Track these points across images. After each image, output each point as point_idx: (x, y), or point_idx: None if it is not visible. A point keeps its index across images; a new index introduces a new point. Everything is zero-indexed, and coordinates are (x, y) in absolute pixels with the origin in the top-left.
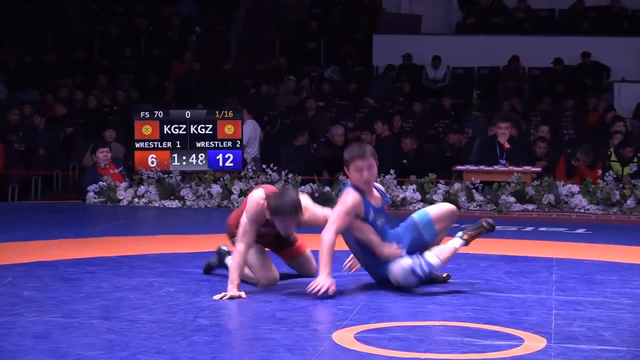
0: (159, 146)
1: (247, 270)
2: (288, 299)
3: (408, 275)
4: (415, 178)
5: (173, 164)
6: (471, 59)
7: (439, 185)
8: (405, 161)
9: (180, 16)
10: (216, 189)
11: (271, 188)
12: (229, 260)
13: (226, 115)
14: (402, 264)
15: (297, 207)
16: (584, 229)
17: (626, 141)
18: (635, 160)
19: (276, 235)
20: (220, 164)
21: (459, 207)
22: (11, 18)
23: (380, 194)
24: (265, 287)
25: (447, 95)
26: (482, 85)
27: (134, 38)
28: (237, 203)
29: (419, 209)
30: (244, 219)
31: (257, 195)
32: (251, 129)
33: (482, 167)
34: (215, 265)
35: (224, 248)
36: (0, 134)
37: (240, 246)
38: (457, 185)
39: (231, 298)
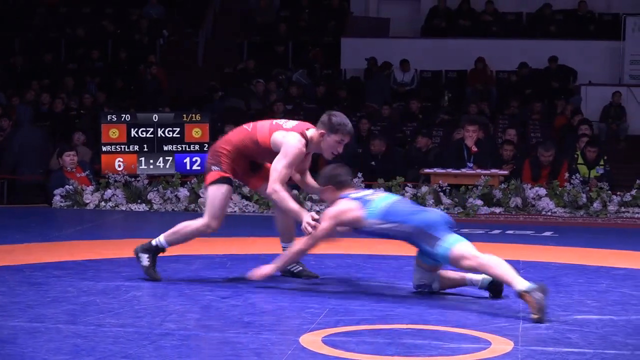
0: (126, 149)
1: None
2: (256, 302)
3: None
4: (383, 181)
5: (140, 167)
6: (439, 62)
7: (407, 188)
8: (373, 163)
9: (148, 18)
10: (183, 192)
11: (303, 125)
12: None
13: (194, 119)
14: None
15: None
16: (551, 232)
17: (591, 142)
18: (602, 163)
19: (252, 162)
20: (188, 167)
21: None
22: None
23: None
24: (204, 232)
25: (415, 99)
26: (450, 88)
27: (102, 41)
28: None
29: None
30: (279, 163)
31: (296, 140)
32: None
33: (449, 170)
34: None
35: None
36: None
37: (279, 187)
38: (424, 189)
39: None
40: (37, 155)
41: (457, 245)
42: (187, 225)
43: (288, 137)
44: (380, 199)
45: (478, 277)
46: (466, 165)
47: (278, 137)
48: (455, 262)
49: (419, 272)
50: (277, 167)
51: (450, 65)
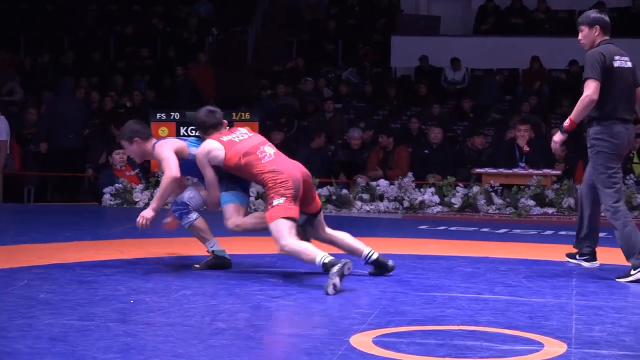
0: None
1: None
2: (306, 302)
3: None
4: (436, 174)
5: None
6: (490, 60)
7: (458, 188)
8: (427, 151)
9: (197, 17)
10: None
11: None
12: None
13: (243, 117)
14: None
15: None
16: (605, 233)
17: None
18: None
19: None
20: None
21: (477, 210)
22: (27, 18)
23: None
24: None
25: (466, 97)
26: (502, 87)
27: (151, 39)
28: (255, 206)
29: (437, 212)
30: None
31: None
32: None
33: (501, 169)
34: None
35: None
36: (17, 135)
37: None
38: (476, 188)
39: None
40: (74, 123)
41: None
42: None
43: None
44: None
45: None
46: (518, 165)
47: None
48: None
49: None
50: None
51: (501, 63)
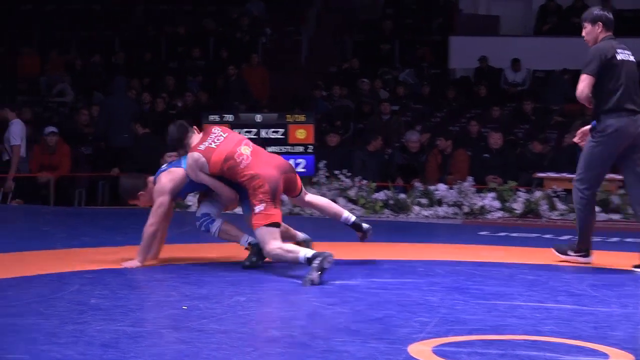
0: None
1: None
2: (363, 310)
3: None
4: (497, 178)
5: None
6: (551, 61)
7: (519, 193)
8: (487, 155)
9: (249, 16)
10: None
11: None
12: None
13: (298, 119)
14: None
15: None
16: None
17: None
18: None
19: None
20: None
21: (540, 216)
22: (78, 18)
23: None
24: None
25: (528, 99)
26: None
27: (203, 39)
28: (309, 210)
29: (498, 218)
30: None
31: None
32: (19, 129)
33: (564, 174)
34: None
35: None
36: (68, 137)
37: None
38: (538, 194)
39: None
40: (126, 122)
41: None
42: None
43: None
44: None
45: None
46: None
47: None
48: None
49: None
50: None
51: (563, 64)
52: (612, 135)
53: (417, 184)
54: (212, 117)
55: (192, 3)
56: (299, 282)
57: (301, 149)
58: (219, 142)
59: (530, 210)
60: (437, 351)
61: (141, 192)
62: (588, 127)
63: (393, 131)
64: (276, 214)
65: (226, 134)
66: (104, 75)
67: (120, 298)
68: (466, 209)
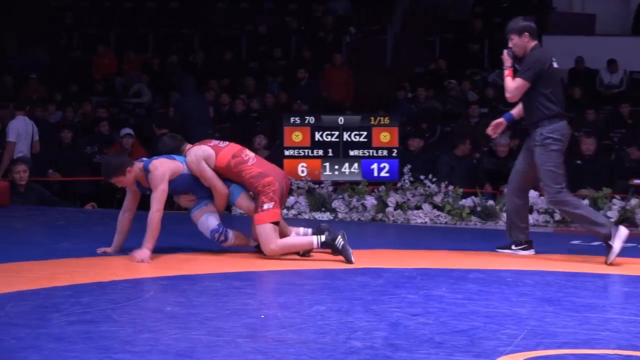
0: (310, 154)
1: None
2: (448, 321)
3: (206, 230)
4: (589, 189)
5: (324, 173)
6: None
7: (614, 200)
8: (579, 162)
9: (333, 15)
10: (370, 200)
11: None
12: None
13: (382, 122)
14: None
15: None
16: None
17: None
18: None
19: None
20: (375, 174)
21: (636, 225)
22: (155, 17)
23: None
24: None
25: (625, 102)
26: None
27: (285, 38)
28: (393, 216)
29: None
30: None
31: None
32: (22, 126)
33: None
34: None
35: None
36: (144, 139)
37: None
38: (634, 201)
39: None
40: (201, 122)
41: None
42: None
43: None
44: None
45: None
46: None
47: None
48: None
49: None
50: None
51: None
52: (563, 138)
53: (505, 190)
54: (293, 119)
55: (274, 1)
56: (382, 290)
57: (385, 152)
58: (224, 145)
59: (626, 219)
60: None
61: (128, 170)
62: (502, 119)
63: (481, 135)
64: (279, 214)
65: (227, 143)
66: (182, 75)
67: (196, 306)
68: (558, 217)
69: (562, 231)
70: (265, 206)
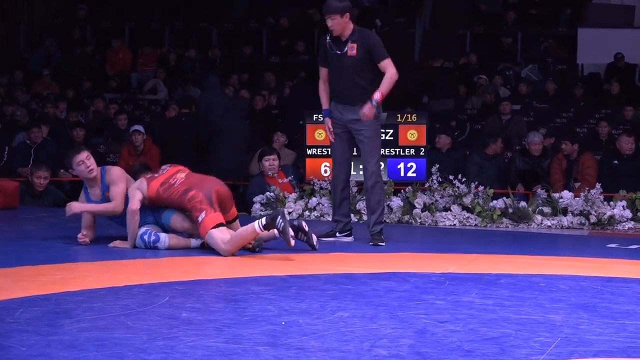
0: None
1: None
2: (477, 328)
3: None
4: (625, 192)
5: None
6: None
7: None
8: (616, 162)
9: (358, 7)
10: (397, 202)
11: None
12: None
13: (409, 120)
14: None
15: None
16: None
17: None
18: None
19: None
20: (402, 174)
21: None
22: (172, 9)
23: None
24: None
25: None
26: None
27: (307, 31)
28: (420, 218)
29: (629, 229)
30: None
31: None
32: None
33: None
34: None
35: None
36: (159, 136)
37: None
38: None
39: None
40: (232, 118)
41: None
42: None
43: None
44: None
45: None
46: None
47: None
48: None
49: None
50: None
51: None
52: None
53: (540, 191)
54: (315, 117)
55: None
56: (408, 296)
57: (412, 151)
58: (161, 173)
59: None
60: None
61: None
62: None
63: (514, 133)
64: (218, 215)
65: (169, 166)
66: (199, 70)
67: (214, 312)
68: (593, 219)
69: (598, 234)
70: (200, 218)
